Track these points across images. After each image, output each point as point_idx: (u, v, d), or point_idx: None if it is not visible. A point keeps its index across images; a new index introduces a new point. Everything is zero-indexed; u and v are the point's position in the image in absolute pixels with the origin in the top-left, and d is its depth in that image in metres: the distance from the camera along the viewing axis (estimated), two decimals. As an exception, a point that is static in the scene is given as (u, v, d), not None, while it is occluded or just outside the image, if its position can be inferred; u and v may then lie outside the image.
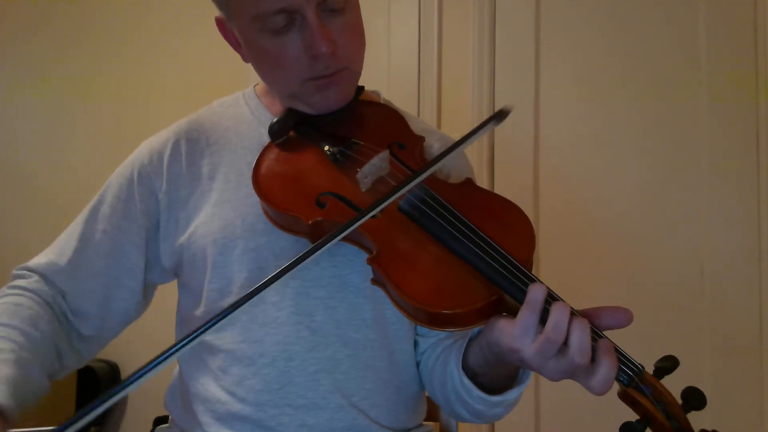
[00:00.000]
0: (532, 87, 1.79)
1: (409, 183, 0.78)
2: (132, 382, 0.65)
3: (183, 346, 0.68)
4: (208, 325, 0.69)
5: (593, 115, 1.74)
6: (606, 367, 0.69)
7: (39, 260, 0.99)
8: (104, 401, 0.64)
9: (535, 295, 0.71)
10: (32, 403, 0.84)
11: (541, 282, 0.74)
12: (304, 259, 0.72)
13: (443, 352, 0.95)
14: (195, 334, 0.69)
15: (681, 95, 1.67)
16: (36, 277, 0.97)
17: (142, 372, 0.66)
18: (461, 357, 0.88)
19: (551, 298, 0.73)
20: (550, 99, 1.77)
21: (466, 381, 0.86)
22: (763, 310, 1.58)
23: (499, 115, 0.80)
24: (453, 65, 1.88)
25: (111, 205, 1.00)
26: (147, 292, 1.03)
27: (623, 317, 0.73)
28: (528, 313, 0.71)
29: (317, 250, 0.73)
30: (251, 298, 0.70)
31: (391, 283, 0.76)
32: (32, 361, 0.86)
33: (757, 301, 1.58)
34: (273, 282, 0.70)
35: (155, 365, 0.67)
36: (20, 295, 0.94)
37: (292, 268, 0.71)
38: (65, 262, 0.97)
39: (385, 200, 0.76)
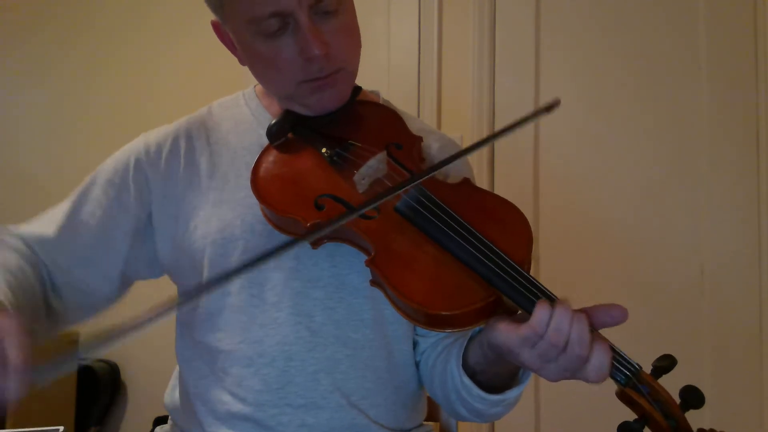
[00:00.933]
0: (532, 87, 1.80)
1: (409, 183, 0.79)
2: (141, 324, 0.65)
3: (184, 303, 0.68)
4: (210, 284, 0.69)
5: (593, 115, 1.74)
6: (597, 353, 0.70)
7: (24, 228, 0.98)
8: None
9: (540, 318, 0.70)
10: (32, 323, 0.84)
11: (539, 285, 0.74)
12: (295, 244, 0.72)
13: (443, 351, 0.95)
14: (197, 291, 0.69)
15: (681, 95, 1.67)
16: (19, 241, 0.96)
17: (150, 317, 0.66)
18: (461, 355, 0.88)
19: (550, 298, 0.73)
20: (550, 99, 1.77)
21: (466, 380, 0.86)
22: (763, 310, 1.58)
23: (550, 107, 0.81)
24: (453, 65, 1.88)
25: (103, 189, 0.99)
26: (124, 282, 1.01)
27: (618, 314, 0.73)
28: (531, 333, 0.71)
29: (309, 237, 0.73)
30: (251, 267, 0.71)
31: (389, 285, 0.76)
32: (12, 283, 0.84)
33: (757, 301, 1.58)
34: (270, 257, 0.71)
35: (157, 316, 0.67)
36: (5, 249, 0.93)
37: (296, 244, 0.72)
38: (50, 235, 0.96)
39: (381, 198, 0.77)
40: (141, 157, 0.99)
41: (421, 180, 0.81)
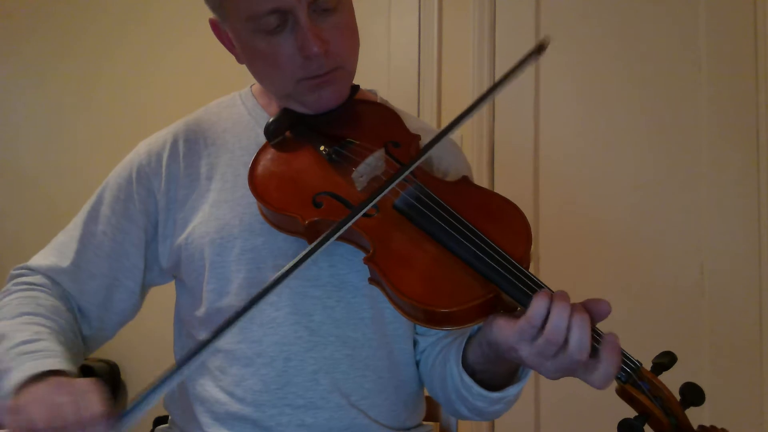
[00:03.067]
0: (532, 87, 1.79)
1: (407, 169, 0.79)
2: (151, 394, 0.69)
3: (192, 358, 0.71)
4: (215, 336, 0.71)
5: (593, 115, 1.74)
6: (608, 363, 0.69)
7: (40, 261, 0.99)
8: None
9: (537, 310, 0.70)
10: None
11: (538, 281, 0.74)
12: (304, 260, 0.73)
13: (443, 349, 0.95)
14: (205, 345, 0.72)
15: (681, 95, 1.67)
16: (40, 276, 0.97)
17: (157, 386, 0.70)
18: (461, 354, 0.88)
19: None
20: (550, 99, 1.77)
21: (466, 378, 0.86)
22: (763, 310, 1.58)
23: (539, 49, 0.81)
24: (453, 65, 1.88)
25: (110, 206, 1.00)
26: (143, 293, 1.03)
27: (602, 309, 0.73)
28: (528, 326, 0.71)
29: (316, 250, 0.73)
30: (256, 303, 0.72)
31: (388, 282, 0.76)
32: (65, 342, 0.88)
33: (757, 301, 1.58)
34: (274, 287, 0.72)
35: (164, 383, 0.70)
36: (32, 289, 0.94)
37: (293, 271, 0.72)
38: (67, 264, 0.97)
39: (384, 190, 0.77)
40: (142, 169, 1.00)
41: (417, 163, 0.81)
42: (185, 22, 2.15)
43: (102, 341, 1.02)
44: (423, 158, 0.83)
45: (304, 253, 0.74)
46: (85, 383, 0.75)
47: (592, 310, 0.73)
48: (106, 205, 1.00)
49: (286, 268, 0.73)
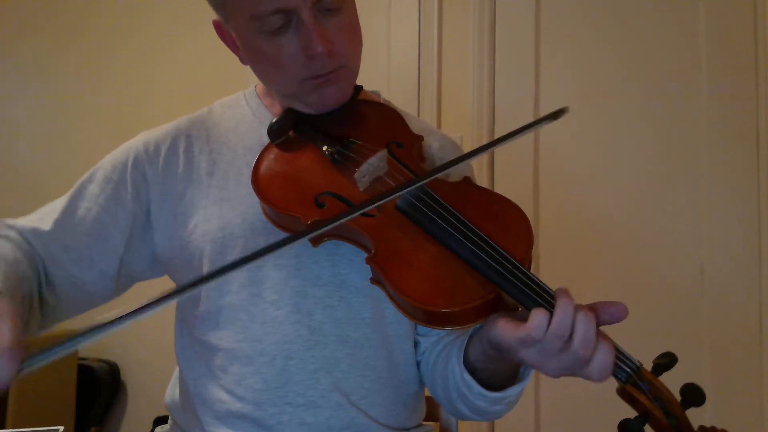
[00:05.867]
0: (532, 87, 1.80)
1: (410, 186, 0.79)
2: (126, 317, 0.62)
3: (182, 292, 0.66)
4: (208, 276, 0.68)
5: (593, 115, 1.74)
6: (601, 352, 0.69)
7: (20, 221, 0.98)
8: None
9: (536, 324, 0.70)
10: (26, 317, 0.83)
11: (539, 282, 0.74)
12: (294, 240, 0.71)
13: (444, 348, 0.95)
14: (195, 282, 0.67)
15: (681, 95, 1.67)
16: (16, 233, 0.96)
17: (143, 306, 0.62)
18: (462, 352, 0.88)
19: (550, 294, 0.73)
20: (550, 99, 1.77)
21: (467, 376, 0.86)
22: (763, 310, 1.58)
23: (558, 113, 0.81)
24: (453, 65, 1.88)
25: (99, 185, 0.99)
26: (121, 281, 1.01)
27: (618, 312, 0.73)
28: (527, 337, 0.70)
29: (308, 234, 0.73)
30: (250, 261, 0.69)
31: (389, 282, 0.76)
32: (11, 278, 0.84)
33: (757, 301, 1.58)
34: (269, 252, 0.69)
35: (154, 304, 0.63)
36: (4, 239, 0.93)
37: (282, 245, 0.70)
38: (45, 229, 0.96)
39: (381, 199, 0.77)
40: (140, 155, 0.99)
41: (422, 183, 0.81)
42: (186, 22, 2.16)
43: (64, 316, 0.98)
44: (433, 177, 0.82)
45: (297, 233, 0.72)
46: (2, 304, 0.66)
47: (604, 312, 0.72)
48: (96, 183, 0.99)
49: (288, 236, 0.71)
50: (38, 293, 0.94)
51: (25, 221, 0.98)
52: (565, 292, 0.72)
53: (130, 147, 1.01)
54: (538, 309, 0.71)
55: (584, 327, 0.69)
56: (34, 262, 0.94)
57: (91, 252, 0.97)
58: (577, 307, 0.71)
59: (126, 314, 0.62)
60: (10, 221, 0.98)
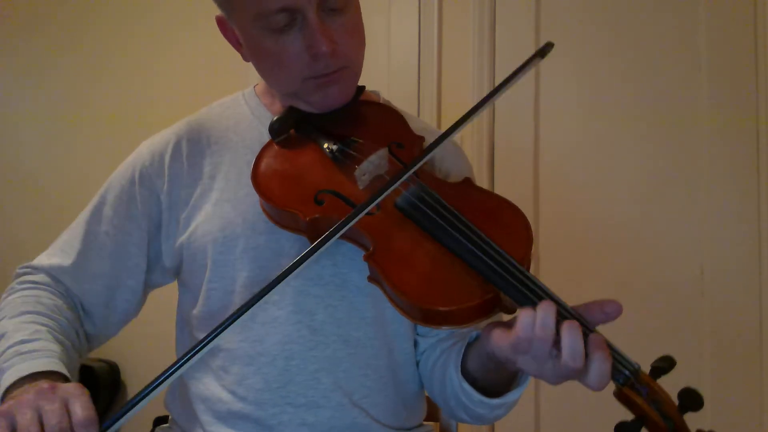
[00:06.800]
0: (532, 87, 1.79)
1: (410, 169, 0.79)
2: (149, 392, 0.71)
3: (195, 354, 0.72)
4: (218, 331, 0.72)
5: (593, 116, 1.74)
6: (598, 361, 0.69)
7: (44, 261, 0.99)
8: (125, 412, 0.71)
9: (523, 323, 0.71)
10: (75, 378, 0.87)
11: (538, 283, 0.74)
12: (305, 260, 0.73)
13: (442, 354, 0.95)
14: (207, 341, 0.72)
15: (681, 96, 1.66)
16: (43, 275, 0.97)
17: (158, 381, 0.71)
18: (460, 361, 0.88)
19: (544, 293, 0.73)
20: (550, 99, 1.77)
21: (466, 386, 0.86)
22: (763, 310, 1.58)
23: (543, 51, 0.81)
24: (453, 65, 1.88)
25: (113, 207, 1.00)
26: (146, 292, 1.04)
27: (612, 310, 0.72)
28: (516, 339, 0.71)
29: (317, 250, 0.74)
30: (257, 301, 0.72)
31: (387, 280, 0.76)
32: (65, 341, 0.89)
33: (757, 301, 1.58)
34: (277, 284, 0.72)
35: (167, 377, 0.71)
36: (35, 288, 0.95)
37: (293, 270, 0.73)
38: (70, 263, 0.98)
39: (387, 189, 0.78)
40: (145, 169, 1.00)
41: (420, 163, 0.81)
42: (186, 22, 2.15)
43: (105, 339, 1.03)
44: (426, 158, 0.83)
45: (305, 252, 0.74)
46: (73, 388, 0.74)
47: (598, 311, 0.72)
48: (109, 205, 1.00)
49: (288, 267, 0.73)
50: (81, 327, 0.97)
51: (49, 260, 0.99)
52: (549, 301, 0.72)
53: (134, 161, 1.02)
54: (527, 308, 0.71)
55: (570, 338, 0.69)
56: (69, 299, 0.97)
57: (119, 273, 0.99)
58: (563, 317, 0.71)
59: (179, 364, 0.72)
60: (35, 263, 0.99)
